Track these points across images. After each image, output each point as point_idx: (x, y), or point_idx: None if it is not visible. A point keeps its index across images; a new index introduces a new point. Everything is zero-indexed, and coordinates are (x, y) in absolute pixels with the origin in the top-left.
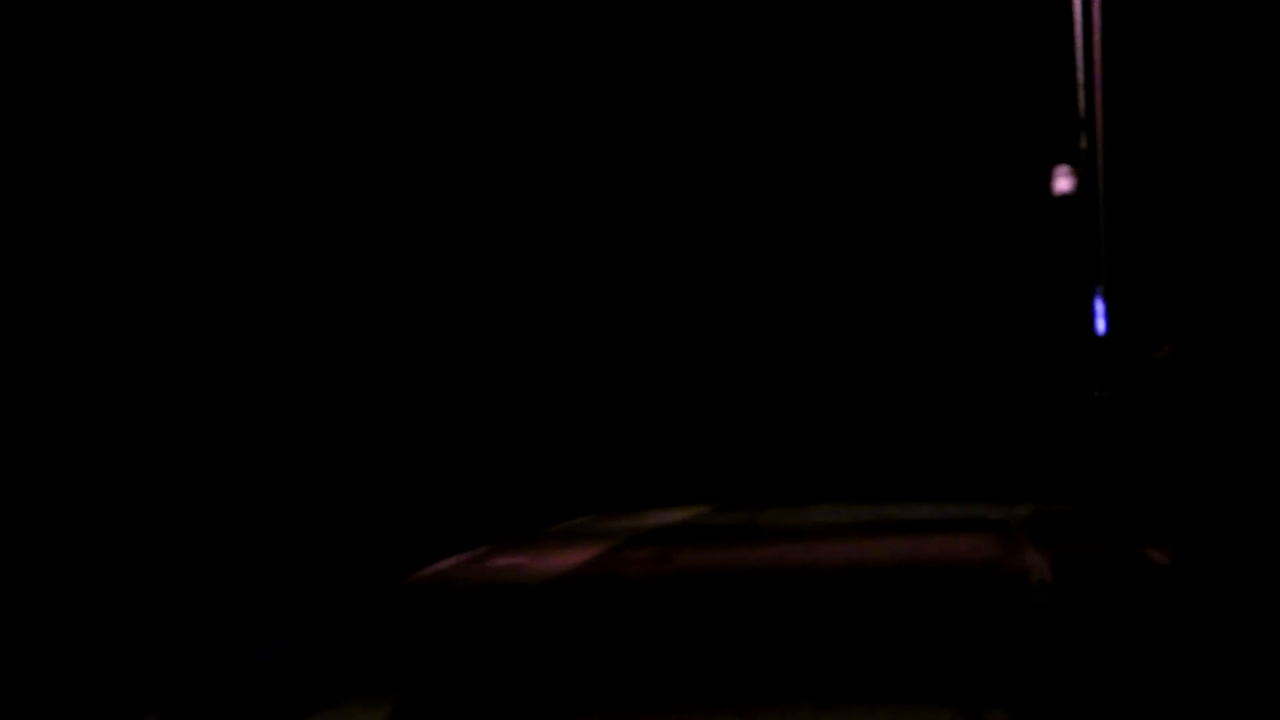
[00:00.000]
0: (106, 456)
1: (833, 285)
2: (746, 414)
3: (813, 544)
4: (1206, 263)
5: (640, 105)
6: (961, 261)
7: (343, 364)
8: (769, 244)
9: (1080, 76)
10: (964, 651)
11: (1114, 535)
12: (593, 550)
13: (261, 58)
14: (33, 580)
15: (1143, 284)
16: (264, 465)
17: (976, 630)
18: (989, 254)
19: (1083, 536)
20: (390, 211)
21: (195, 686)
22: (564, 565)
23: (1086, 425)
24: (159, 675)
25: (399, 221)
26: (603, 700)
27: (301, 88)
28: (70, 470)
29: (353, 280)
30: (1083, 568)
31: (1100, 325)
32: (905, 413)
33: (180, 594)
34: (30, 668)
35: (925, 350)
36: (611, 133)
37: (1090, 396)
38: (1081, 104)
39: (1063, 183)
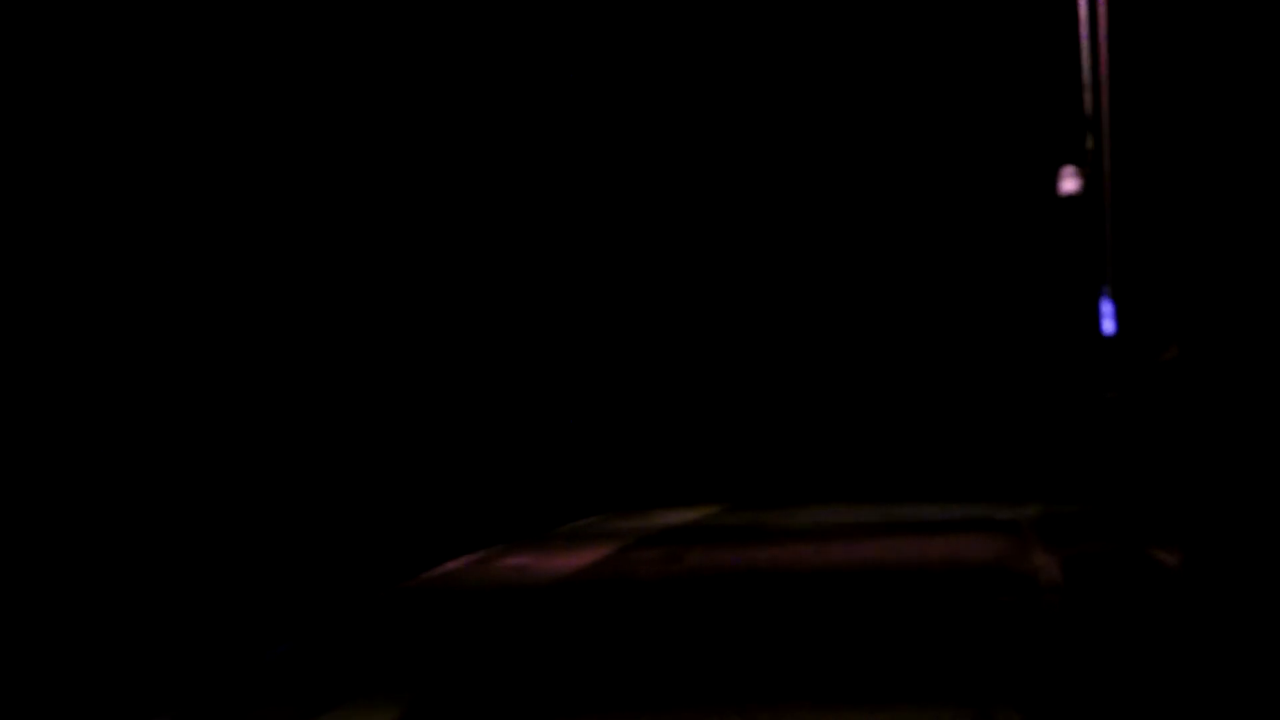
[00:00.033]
0: (117, 458)
1: (840, 286)
2: (756, 414)
3: (822, 544)
4: (1213, 263)
5: (647, 105)
6: (968, 262)
7: (351, 366)
8: (777, 245)
9: (1086, 77)
10: (975, 652)
11: (1122, 536)
12: (602, 550)
13: (261, 58)
14: (44, 581)
15: (1150, 284)
16: (274, 467)
17: (987, 631)
18: (996, 254)
19: (1091, 537)
20: (399, 214)
21: (206, 687)
22: (573, 566)
23: (1094, 425)
24: (170, 675)
25: (408, 223)
26: (610, 701)
27: (301, 88)
28: (81, 471)
29: (361, 282)
30: (1092, 568)
31: (1108, 326)
32: (913, 413)
33: (191, 594)
34: (42, 668)
35: (932, 351)
36: (618, 133)
37: (1102, 397)
38: (1088, 104)
39: (1069, 183)
